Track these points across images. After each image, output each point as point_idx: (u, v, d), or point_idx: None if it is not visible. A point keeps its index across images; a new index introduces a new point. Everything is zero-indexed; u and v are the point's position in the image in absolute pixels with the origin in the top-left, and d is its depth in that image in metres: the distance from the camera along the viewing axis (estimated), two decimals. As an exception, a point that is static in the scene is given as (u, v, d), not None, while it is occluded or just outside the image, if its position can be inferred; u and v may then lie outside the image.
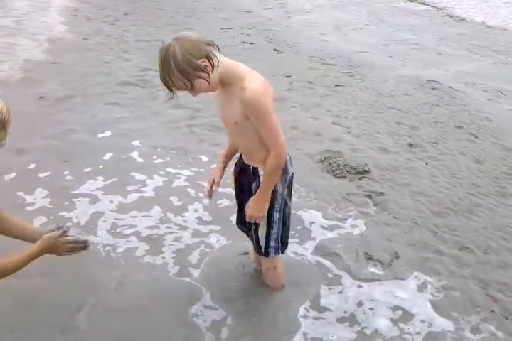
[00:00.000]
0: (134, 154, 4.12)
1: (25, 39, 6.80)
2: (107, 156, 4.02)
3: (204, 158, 4.16)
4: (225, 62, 2.03)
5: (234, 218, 3.33)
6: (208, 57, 1.91)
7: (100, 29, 7.99)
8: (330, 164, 4.15)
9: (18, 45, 6.46)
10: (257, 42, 8.08)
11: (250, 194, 2.35)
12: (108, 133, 4.46)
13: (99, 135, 4.40)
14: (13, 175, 3.63)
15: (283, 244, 2.52)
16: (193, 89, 1.98)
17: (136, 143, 4.32)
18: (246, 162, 2.36)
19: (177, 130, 4.67)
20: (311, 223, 3.39)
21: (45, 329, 2.34)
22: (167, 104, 5.21)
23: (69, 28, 7.74)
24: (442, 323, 2.60)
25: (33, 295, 2.51)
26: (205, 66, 1.91)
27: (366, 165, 4.14)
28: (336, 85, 6.13)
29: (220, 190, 3.67)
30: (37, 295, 2.52)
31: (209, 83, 1.96)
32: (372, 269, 2.97)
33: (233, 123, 2.14)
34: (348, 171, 4.05)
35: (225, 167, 2.55)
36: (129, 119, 4.79)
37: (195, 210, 3.43)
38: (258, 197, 2.27)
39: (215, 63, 1.94)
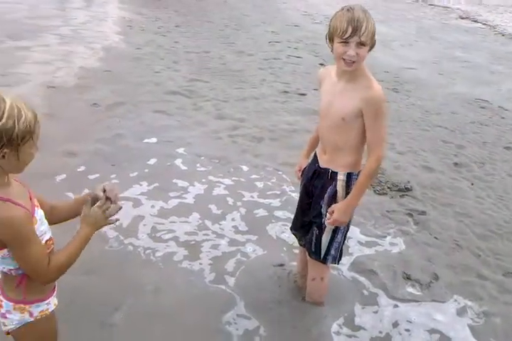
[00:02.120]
0: (178, 161, 4.22)
1: (82, 47, 7.13)
2: (152, 162, 4.14)
3: (245, 168, 4.22)
4: None
5: (271, 228, 3.39)
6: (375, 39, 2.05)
7: (152, 40, 8.28)
8: (371, 180, 4.10)
9: (75, 53, 6.79)
10: (303, 56, 8.15)
11: (321, 198, 2.36)
12: (154, 140, 4.60)
13: (146, 141, 4.54)
14: (63, 176, 3.79)
15: (340, 255, 2.51)
16: (362, 50, 2.02)
17: (181, 150, 4.43)
18: (324, 165, 2.35)
19: (220, 140, 4.76)
20: (349, 238, 3.33)
21: (84, 324, 2.42)
22: (211, 114, 5.34)
23: (123, 38, 8.06)
24: (482, 350, 2.52)
25: (76, 292, 2.59)
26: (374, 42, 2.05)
27: (409, 182, 4.08)
28: (382, 101, 6.08)
29: (255, 199, 3.74)
30: (80, 291, 2.61)
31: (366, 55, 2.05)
32: (410, 289, 2.91)
33: (340, 118, 2.16)
34: (389, 188, 4.00)
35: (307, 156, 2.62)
36: (175, 128, 4.92)
37: (233, 219, 3.47)
38: (349, 202, 2.25)
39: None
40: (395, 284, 2.93)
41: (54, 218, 1.67)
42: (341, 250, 2.50)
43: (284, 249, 3.15)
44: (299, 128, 5.02)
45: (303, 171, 2.58)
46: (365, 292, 2.86)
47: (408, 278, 2.99)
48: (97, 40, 7.70)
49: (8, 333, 1.63)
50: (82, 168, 3.93)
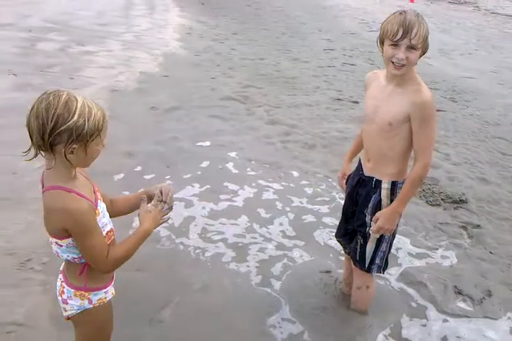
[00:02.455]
0: (230, 165, 4.31)
1: (143, 53, 7.43)
2: (205, 165, 4.25)
3: (295, 174, 4.24)
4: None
5: (318, 235, 3.39)
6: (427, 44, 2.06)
7: (210, 46, 8.49)
8: (424, 190, 4.02)
9: (136, 58, 7.08)
10: (358, 63, 8.09)
11: (365, 207, 2.34)
12: (207, 143, 4.72)
13: (200, 144, 4.67)
14: (121, 175, 3.96)
15: (386, 264, 2.48)
16: (412, 53, 2.02)
17: (233, 154, 4.52)
18: (368, 173, 2.32)
19: (271, 145, 4.81)
20: (398, 249, 3.30)
21: (134, 319, 2.51)
22: (263, 119, 5.41)
23: (182, 45, 8.32)
24: (536, 372, 2.40)
25: (127, 287, 2.69)
26: (426, 47, 2.05)
27: (464, 194, 3.96)
28: (437, 110, 5.93)
29: (303, 205, 3.75)
30: (131, 287, 2.71)
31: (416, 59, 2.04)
32: (461, 304, 2.83)
33: (387, 123, 2.13)
34: (442, 199, 3.90)
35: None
36: (228, 132, 5.02)
37: (281, 224, 3.50)
38: (394, 209, 2.21)
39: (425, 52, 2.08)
40: (445, 298, 2.85)
41: (113, 211, 1.77)
42: (387, 259, 2.46)
43: (331, 255, 3.14)
44: (350, 136, 5.00)
45: (347, 178, 2.56)
46: (414, 304, 2.81)
47: (459, 292, 2.90)
48: (158, 46, 7.99)
49: (68, 318, 1.72)
50: (138, 168, 4.09)
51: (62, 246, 1.56)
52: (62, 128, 1.39)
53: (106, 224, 1.64)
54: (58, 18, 9.01)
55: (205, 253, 3.11)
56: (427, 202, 3.88)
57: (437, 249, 3.32)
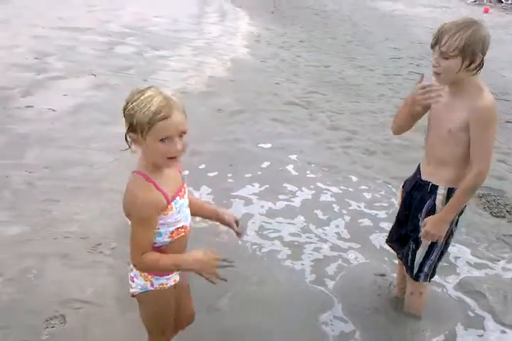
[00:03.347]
0: (290, 167, 4.39)
1: (212, 58, 7.72)
2: (265, 165, 4.36)
3: (354, 179, 4.26)
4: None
5: (374, 238, 3.39)
6: (482, 60, 2.03)
7: (277, 53, 8.66)
8: (488, 201, 3.90)
9: (206, 63, 7.37)
10: (425, 72, 7.91)
11: (419, 211, 2.33)
12: (269, 145, 4.83)
13: (261, 146, 4.79)
14: (186, 172, 4.14)
15: (433, 273, 2.47)
16: (442, 63, 2.01)
17: (293, 157, 4.60)
18: (425, 178, 2.31)
19: (331, 150, 4.85)
20: (457, 258, 3.23)
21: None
22: (325, 124, 5.46)
23: (250, 51, 8.54)
24: None
25: (190, 274, 2.84)
26: (475, 61, 2.00)
27: (531, 207, 3.80)
28: (507, 122, 5.72)
29: (361, 209, 3.75)
30: (193, 274, 2.85)
31: (456, 72, 2.00)
32: (521, 317, 2.73)
33: (447, 130, 2.13)
34: (508, 211, 3.77)
35: None
36: (289, 136, 5.12)
37: (337, 226, 3.53)
38: (442, 216, 2.20)
39: (480, 68, 2.04)
40: (505, 309, 2.77)
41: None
42: (435, 268, 2.43)
43: (386, 259, 3.13)
44: (412, 144, 4.92)
45: (404, 184, 2.54)
46: (471, 313, 2.75)
47: (520, 305, 2.80)
48: (226, 52, 8.26)
49: (133, 295, 1.84)
50: (203, 166, 4.27)
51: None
52: (123, 114, 1.52)
53: (179, 221, 1.68)
54: (135, 24, 9.54)
55: (262, 249, 3.20)
56: (491, 213, 3.76)
57: (499, 260, 3.22)
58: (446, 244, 2.37)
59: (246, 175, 4.16)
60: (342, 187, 4.09)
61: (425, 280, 2.46)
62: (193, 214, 1.86)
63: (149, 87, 1.53)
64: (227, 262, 1.67)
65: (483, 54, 2.01)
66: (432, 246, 2.34)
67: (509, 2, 18.01)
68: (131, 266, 1.77)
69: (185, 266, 1.65)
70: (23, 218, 3.19)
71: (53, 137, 4.42)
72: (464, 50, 1.97)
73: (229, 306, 2.67)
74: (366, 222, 3.59)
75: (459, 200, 2.16)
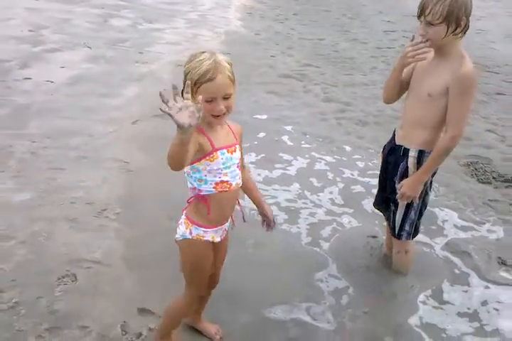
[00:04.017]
0: (285, 137, 4.51)
1: (207, 31, 7.70)
2: (261, 136, 4.48)
3: (347, 149, 4.39)
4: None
5: (366, 203, 3.55)
6: (467, 23, 2.13)
7: (270, 26, 8.63)
8: (476, 169, 4.06)
9: (201, 36, 7.36)
10: (419, 45, 7.97)
11: (394, 174, 2.48)
12: (265, 116, 4.93)
13: (258, 117, 4.89)
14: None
15: (416, 231, 2.63)
16: (429, 30, 2.12)
17: (288, 128, 4.71)
18: (399, 142, 2.46)
19: (326, 121, 4.96)
20: (445, 221, 3.41)
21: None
22: (319, 97, 5.55)
23: (243, 24, 8.51)
24: None
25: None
26: (460, 25, 2.11)
27: (517, 175, 3.97)
28: (497, 93, 5.84)
29: (354, 177, 3.90)
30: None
31: (442, 38, 2.12)
32: (504, 274, 2.93)
33: (426, 94, 2.25)
34: (494, 178, 3.93)
35: None
36: (285, 107, 5.21)
37: (331, 192, 3.68)
38: (418, 177, 2.34)
39: (465, 30, 2.15)
40: (489, 267, 2.95)
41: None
42: (416, 226, 2.59)
43: (377, 222, 3.29)
44: (406, 115, 5.05)
45: (383, 148, 2.67)
46: (457, 271, 2.93)
47: (503, 263, 2.99)
48: (220, 24, 8.23)
49: (176, 241, 1.94)
50: (200, 136, 4.37)
51: (185, 172, 1.82)
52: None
53: (224, 174, 1.79)
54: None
55: (259, 214, 3.34)
56: (478, 179, 3.93)
57: (484, 223, 3.40)
58: (424, 203, 2.53)
59: (243, 145, 4.25)
60: (336, 157, 4.23)
61: (408, 238, 2.62)
62: (244, 191, 2.07)
63: (204, 52, 1.68)
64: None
65: (467, 17, 2.12)
66: (409, 206, 2.50)
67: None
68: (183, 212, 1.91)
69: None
70: (30, 185, 3.30)
71: (53, 108, 4.49)
72: (448, 17, 2.08)
73: (228, 267, 2.79)
74: (359, 188, 3.75)
75: (433, 162, 2.30)
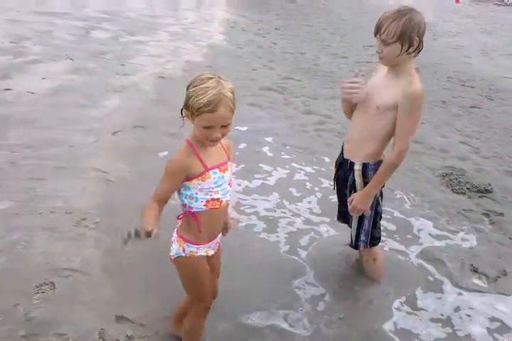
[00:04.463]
0: (265, 148, 4.59)
1: (189, 44, 7.82)
2: (242, 146, 4.54)
3: (327, 160, 4.48)
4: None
5: (345, 213, 3.60)
6: (420, 43, 2.24)
7: (253, 40, 8.80)
8: (450, 180, 4.18)
9: (183, 49, 7.47)
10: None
11: (345, 187, 2.57)
12: (245, 128, 5.01)
13: (239, 129, 4.96)
14: (166, 153, 4.29)
15: (374, 239, 2.70)
16: (385, 49, 2.21)
17: (269, 139, 4.80)
18: (346, 156, 2.55)
19: (306, 133, 5.06)
20: (420, 230, 3.49)
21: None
22: (299, 109, 5.66)
23: (226, 38, 8.66)
24: (541, 342, 2.56)
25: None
26: (413, 44, 2.21)
27: (489, 185, 4.09)
28: (472, 107, 6.03)
29: (328, 187, 3.96)
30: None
31: (397, 56, 2.21)
32: (476, 281, 3.00)
33: (375, 106, 2.34)
34: (468, 188, 4.05)
35: None
36: (266, 119, 5.31)
37: (309, 202, 3.75)
38: (367, 191, 2.44)
39: (418, 51, 2.26)
40: (461, 274, 3.03)
41: None
42: (372, 235, 2.65)
43: (356, 231, 3.35)
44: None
45: (336, 162, 2.74)
46: (431, 278, 3.00)
47: (475, 270, 3.07)
48: (203, 38, 8.36)
49: (171, 259, 1.97)
50: (181, 148, 4.41)
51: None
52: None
53: (216, 192, 1.83)
54: (112, 9, 9.51)
55: (239, 223, 3.38)
56: (452, 190, 4.04)
57: (458, 232, 3.49)
58: (377, 212, 2.60)
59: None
60: (315, 167, 4.31)
61: (365, 247, 2.69)
62: None
63: (211, 78, 1.71)
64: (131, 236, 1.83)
65: (420, 37, 2.22)
66: (362, 217, 2.58)
67: (479, -7, 18.48)
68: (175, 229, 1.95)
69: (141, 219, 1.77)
70: (9, 195, 3.29)
71: (34, 118, 4.50)
72: (402, 36, 2.18)
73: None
74: (336, 197, 3.81)
75: (381, 177, 2.40)
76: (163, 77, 5.97)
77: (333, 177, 2.77)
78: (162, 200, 1.84)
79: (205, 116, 1.67)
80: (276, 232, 3.34)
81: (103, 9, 9.41)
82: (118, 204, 3.37)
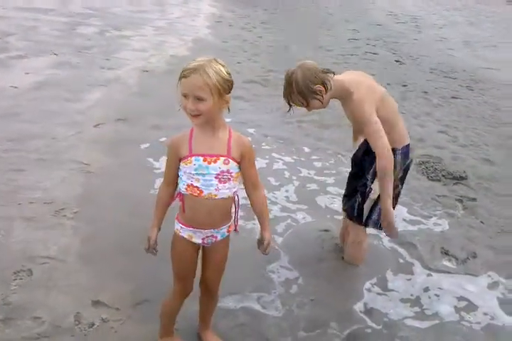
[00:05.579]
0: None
1: (174, 38, 7.85)
2: (223, 138, 4.59)
3: (306, 150, 4.55)
4: (337, 81, 2.45)
5: (320, 200, 3.70)
6: (323, 83, 2.41)
7: (239, 34, 8.83)
8: (427, 167, 4.26)
9: (167, 43, 7.50)
10: (380, 53, 8.27)
11: (368, 172, 2.69)
12: (229, 119, 5.00)
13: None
14: (147, 145, 4.34)
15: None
16: (308, 107, 2.53)
17: (251, 130, 4.85)
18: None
19: (287, 124, 5.12)
20: (395, 215, 3.56)
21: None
22: (282, 101, 5.70)
23: (212, 32, 8.69)
24: (506, 319, 2.66)
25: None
26: (320, 90, 2.42)
27: (464, 172, 4.18)
28: (452, 97, 6.12)
29: (310, 176, 4.05)
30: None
31: (322, 103, 2.47)
32: (446, 263, 3.10)
33: (353, 121, 2.63)
34: (443, 175, 4.14)
35: None
36: (249, 111, 5.36)
37: (287, 190, 3.82)
38: (383, 206, 2.55)
39: (329, 87, 2.42)
40: (432, 257, 3.12)
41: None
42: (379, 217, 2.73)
43: (329, 217, 3.44)
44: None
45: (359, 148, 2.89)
46: (402, 261, 3.09)
47: (446, 253, 3.17)
48: (188, 32, 8.39)
49: None
50: (163, 139, 4.46)
51: None
52: None
53: (196, 179, 1.85)
54: (98, 5, 9.52)
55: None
56: (427, 177, 4.13)
57: (431, 217, 3.58)
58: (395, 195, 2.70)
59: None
60: (294, 157, 4.38)
61: (374, 227, 2.79)
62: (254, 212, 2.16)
63: (209, 58, 1.80)
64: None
65: (321, 81, 2.41)
66: (377, 201, 2.67)
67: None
68: None
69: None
70: (-12, 186, 3.34)
71: (16, 112, 4.54)
72: (306, 98, 2.47)
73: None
74: (314, 186, 3.90)
75: (383, 184, 2.50)
76: (147, 71, 6.01)
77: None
78: (169, 182, 1.98)
79: (181, 81, 1.77)
80: (254, 220, 3.39)
81: (89, 5, 9.40)
82: (97, 194, 3.42)
